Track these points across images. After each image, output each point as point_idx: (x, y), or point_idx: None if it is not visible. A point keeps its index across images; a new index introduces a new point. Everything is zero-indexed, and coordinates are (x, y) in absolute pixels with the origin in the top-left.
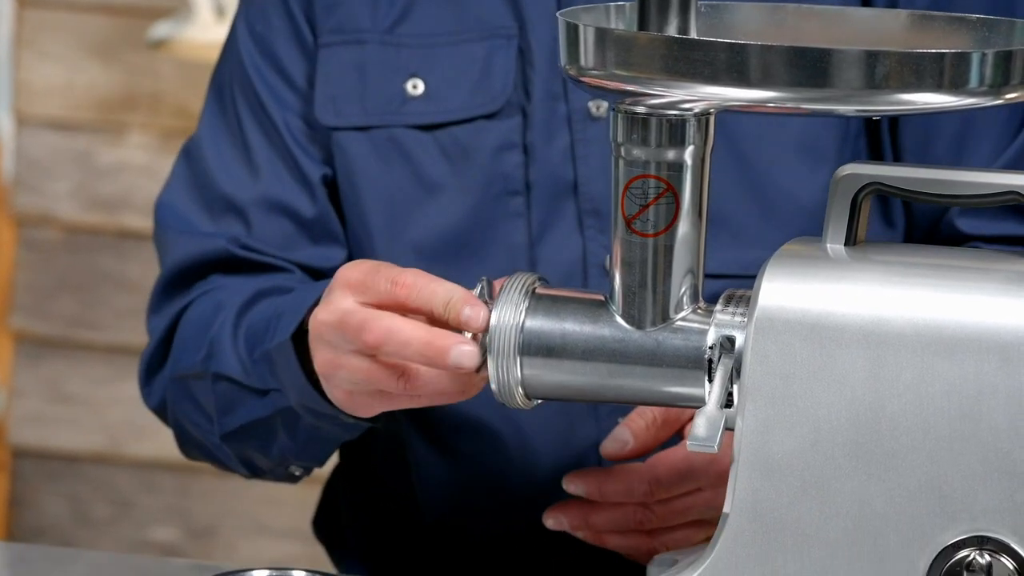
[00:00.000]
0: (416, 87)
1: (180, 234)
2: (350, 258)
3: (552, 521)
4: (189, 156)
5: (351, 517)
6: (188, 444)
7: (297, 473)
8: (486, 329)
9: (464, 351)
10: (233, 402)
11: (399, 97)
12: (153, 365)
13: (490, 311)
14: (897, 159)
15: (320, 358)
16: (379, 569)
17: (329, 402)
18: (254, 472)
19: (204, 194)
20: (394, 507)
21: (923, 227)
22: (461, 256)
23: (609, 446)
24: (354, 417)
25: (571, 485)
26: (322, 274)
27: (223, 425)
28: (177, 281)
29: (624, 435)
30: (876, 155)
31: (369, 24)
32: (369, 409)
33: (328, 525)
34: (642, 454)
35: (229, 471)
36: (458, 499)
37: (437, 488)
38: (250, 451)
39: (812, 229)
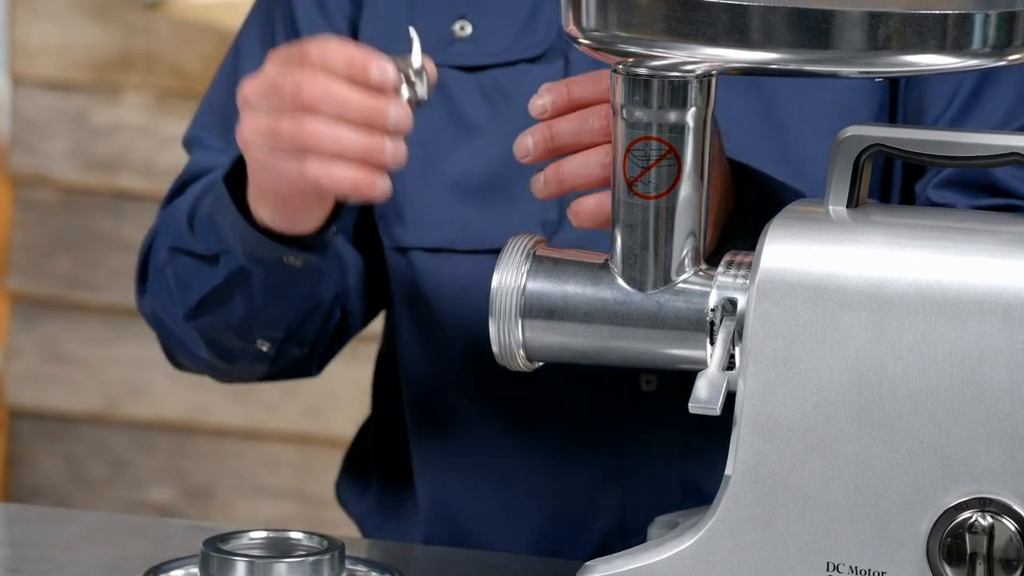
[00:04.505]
0: (464, 28)
1: (196, 149)
2: None
3: (524, 145)
4: (219, 80)
5: (381, 466)
6: (171, 344)
7: (264, 349)
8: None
9: (401, 108)
10: (190, 275)
11: (446, 37)
12: (140, 275)
13: (394, 63)
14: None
15: (248, 125)
16: (405, 525)
17: (266, 236)
18: (225, 357)
19: (231, 112)
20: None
21: None
22: (495, 199)
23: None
24: (297, 246)
25: (539, 99)
26: None
27: (185, 302)
28: (177, 189)
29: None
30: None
31: None
32: (299, 210)
33: (352, 484)
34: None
35: (209, 372)
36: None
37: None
38: (214, 327)
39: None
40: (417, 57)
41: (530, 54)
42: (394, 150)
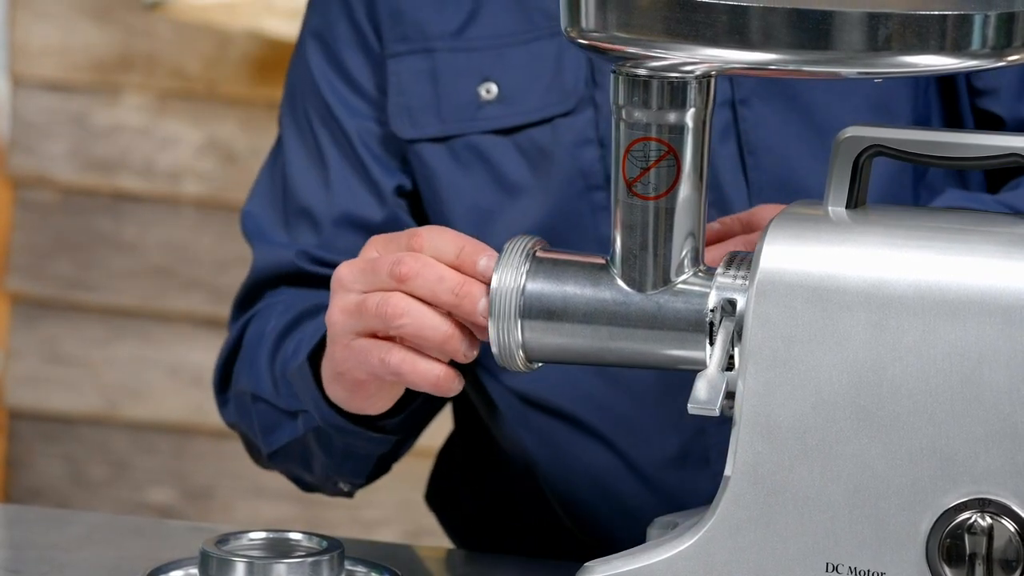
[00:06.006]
0: (489, 91)
1: (258, 243)
2: None
3: None
4: (274, 163)
5: (468, 485)
6: (255, 457)
7: (346, 489)
8: None
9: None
10: (271, 423)
11: (473, 103)
12: (221, 382)
13: None
14: (973, 101)
15: (337, 305)
16: (499, 536)
17: (348, 417)
18: (306, 487)
19: (283, 203)
20: (510, 473)
21: None
22: None
23: None
24: (378, 429)
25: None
26: None
27: (267, 444)
28: (251, 292)
29: None
30: (950, 99)
31: (436, 30)
32: (372, 399)
33: (442, 495)
34: None
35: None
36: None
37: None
38: (295, 469)
39: (890, 192)
40: None
41: (562, 108)
42: (469, 346)
